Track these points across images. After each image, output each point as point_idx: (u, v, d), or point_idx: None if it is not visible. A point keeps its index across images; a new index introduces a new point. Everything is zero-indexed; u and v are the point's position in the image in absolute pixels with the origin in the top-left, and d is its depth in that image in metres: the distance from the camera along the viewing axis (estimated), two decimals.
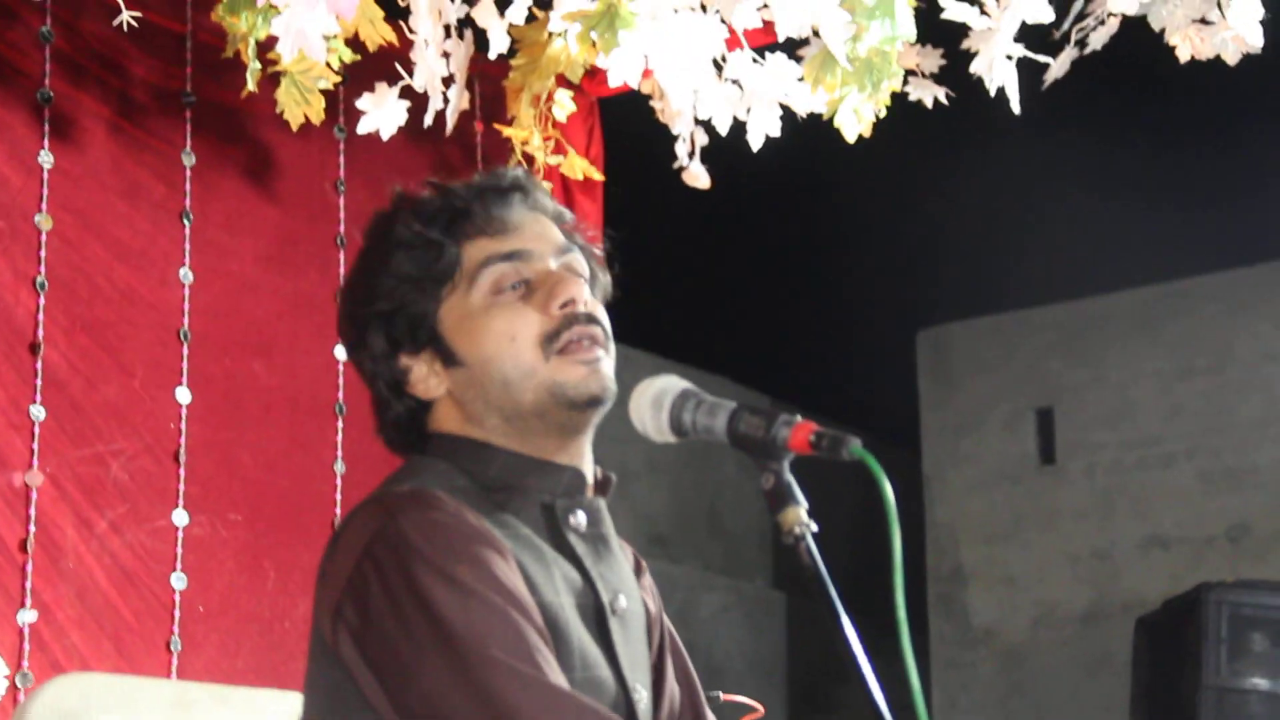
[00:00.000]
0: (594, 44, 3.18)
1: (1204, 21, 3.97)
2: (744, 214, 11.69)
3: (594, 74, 4.40)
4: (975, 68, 3.84)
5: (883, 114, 3.98)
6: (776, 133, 3.88)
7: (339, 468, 4.64)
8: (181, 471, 4.32)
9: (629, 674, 2.21)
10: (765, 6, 3.40)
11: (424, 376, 2.25)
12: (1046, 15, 3.72)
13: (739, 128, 3.93)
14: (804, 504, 1.93)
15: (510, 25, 3.71)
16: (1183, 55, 4.03)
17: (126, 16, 3.64)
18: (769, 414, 1.97)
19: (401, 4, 3.71)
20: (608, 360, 2.22)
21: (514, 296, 2.21)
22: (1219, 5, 3.92)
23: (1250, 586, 6.77)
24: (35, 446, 4.04)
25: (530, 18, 3.73)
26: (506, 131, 4.32)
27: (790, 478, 1.95)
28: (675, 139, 4.20)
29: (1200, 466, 10.09)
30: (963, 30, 3.78)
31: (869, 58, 3.62)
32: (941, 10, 3.66)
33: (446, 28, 3.72)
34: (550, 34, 3.87)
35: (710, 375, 9.91)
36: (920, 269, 12.21)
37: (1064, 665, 10.37)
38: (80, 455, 4.14)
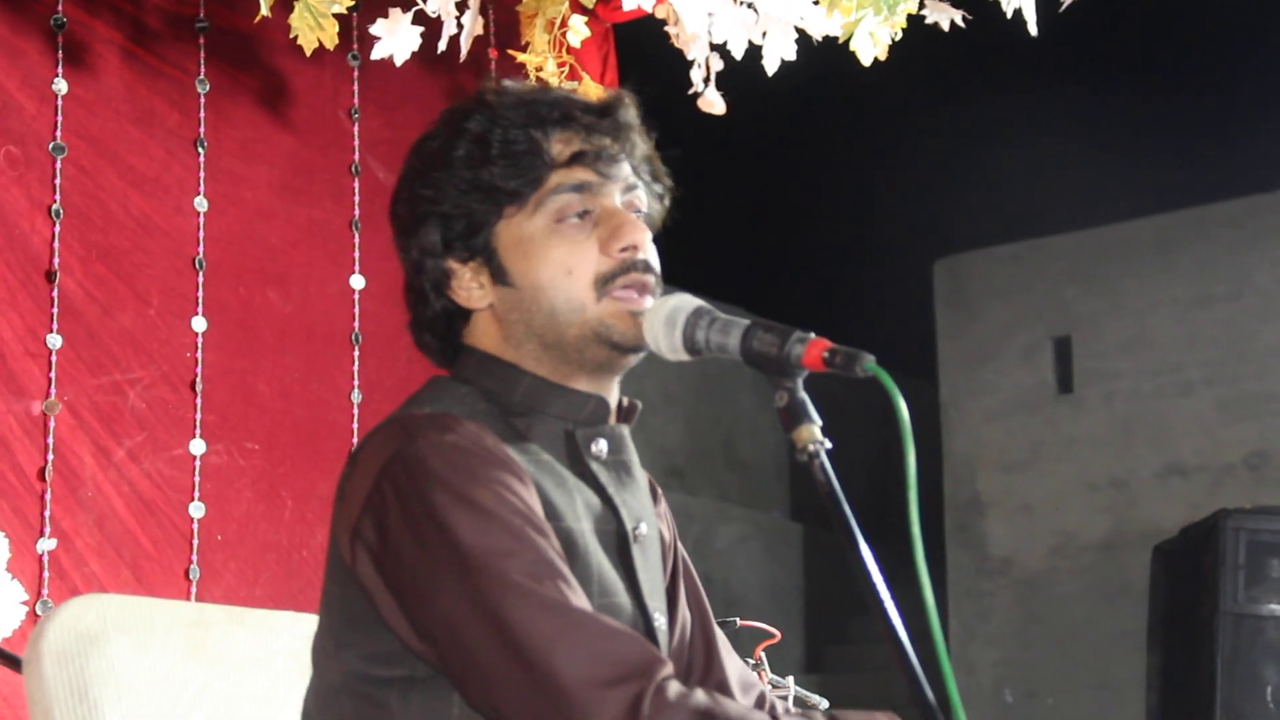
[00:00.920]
0: None
1: None
2: (760, 141, 11.66)
3: None
4: None
5: (898, 37, 3.96)
6: (792, 56, 3.87)
7: (355, 396, 4.65)
8: (198, 400, 4.33)
9: (649, 600, 2.20)
10: None
11: (468, 285, 2.21)
12: None
13: (754, 52, 3.91)
14: (818, 422, 1.91)
15: None
16: None
17: None
18: (783, 331, 1.96)
19: None
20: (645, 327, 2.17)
21: (575, 227, 2.17)
22: None
23: (1268, 513, 6.75)
24: (53, 375, 4.05)
25: None
26: (520, 57, 4.30)
27: (804, 395, 1.94)
28: (690, 64, 4.19)
29: (1219, 394, 10.06)
30: None
31: None
32: None
33: None
34: None
35: (726, 305, 9.89)
36: (937, 198, 12.16)
37: (1082, 594, 10.37)
38: (98, 384, 4.15)
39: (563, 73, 4.40)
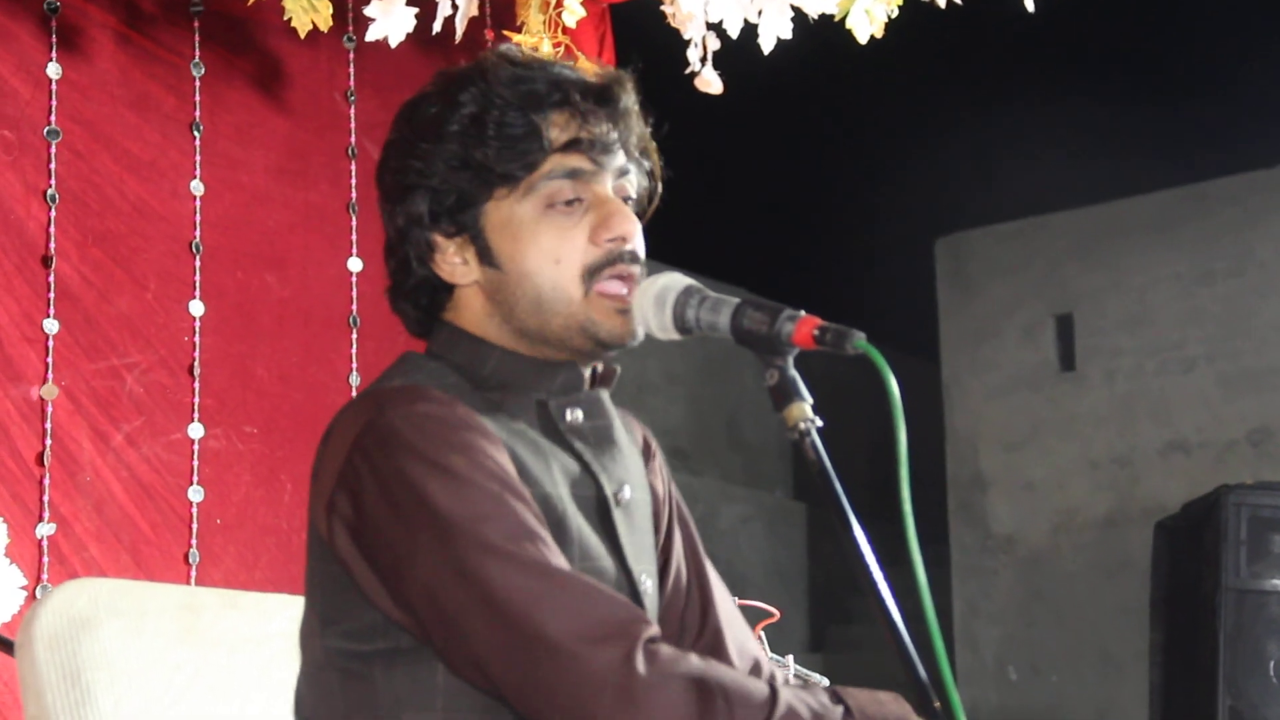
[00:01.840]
0: None
1: None
2: (758, 121, 11.63)
3: None
4: None
5: (895, 15, 3.96)
6: (788, 35, 3.86)
7: (354, 379, 4.65)
8: (196, 384, 4.33)
9: (634, 564, 2.19)
10: None
11: (452, 260, 2.19)
12: None
13: (750, 31, 3.91)
14: (809, 399, 1.91)
15: None
16: None
17: None
18: (773, 309, 1.95)
19: None
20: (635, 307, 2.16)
21: (565, 214, 2.16)
22: None
23: (1270, 488, 6.74)
24: (50, 360, 4.05)
25: None
26: (516, 38, 4.29)
27: (795, 373, 1.93)
28: (687, 44, 4.18)
29: (1221, 370, 10.05)
30: None
31: None
32: None
33: None
34: None
35: (726, 285, 9.90)
36: (937, 176, 12.13)
37: (1085, 571, 10.37)
38: (95, 368, 4.15)
39: (558, 53, 4.39)
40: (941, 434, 11.01)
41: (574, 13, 4.34)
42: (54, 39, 4.14)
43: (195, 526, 4.26)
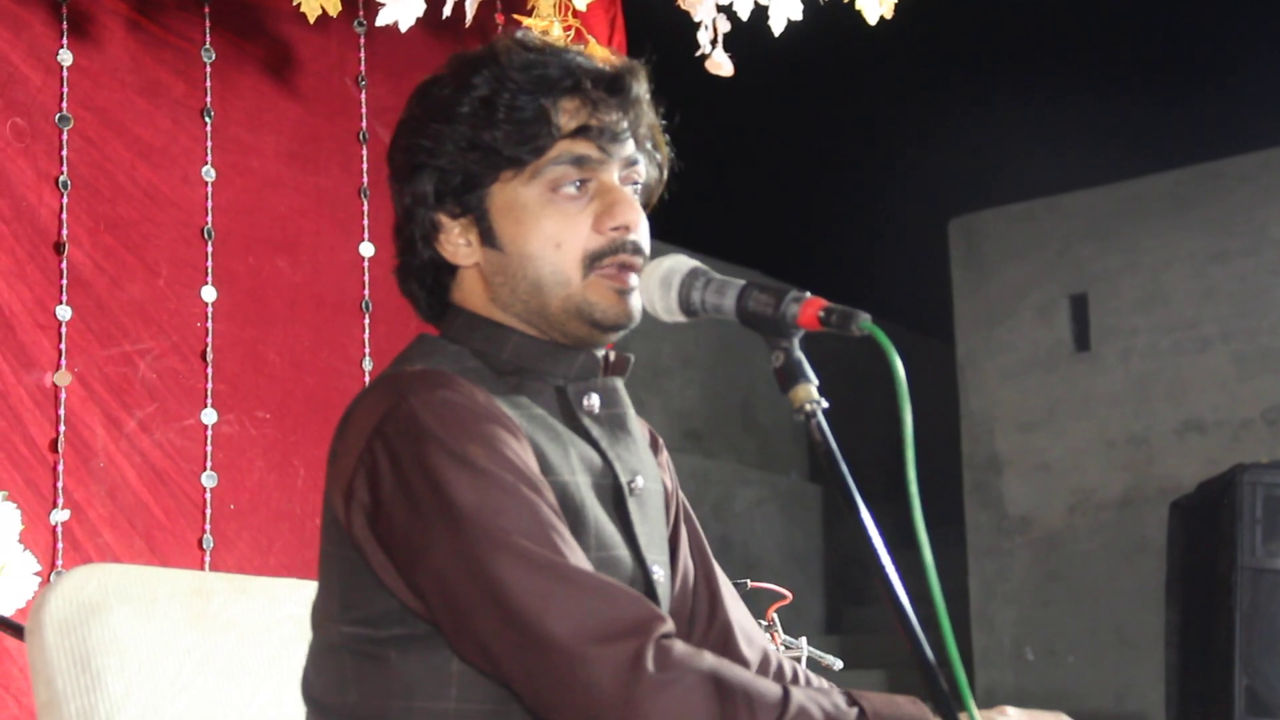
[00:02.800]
0: None
1: None
2: (770, 103, 11.62)
3: None
4: None
5: None
6: (798, 16, 3.85)
7: (367, 364, 4.64)
8: (209, 370, 4.33)
9: (647, 553, 2.20)
10: None
11: (455, 240, 2.20)
12: None
13: (761, 13, 3.90)
14: (814, 381, 1.91)
15: None
16: None
17: None
18: (778, 290, 1.95)
19: None
20: (637, 292, 2.16)
21: (569, 199, 2.16)
22: None
23: None
24: (63, 346, 4.05)
25: None
26: (526, 22, 4.29)
27: (800, 355, 1.93)
28: (698, 26, 4.17)
29: (1235, 349, 10.03)
30: None
31: None
32: None
33: None
34: None
35: (739, 268, 9.90)
36: (950, 157, 12.11)
37: (1100, 551, 10.36)
38: (108, 355, 4.15)
39: (569, 36, 4.39)
40: (956, 415, 11.00)
41: None
42: (65, 26, 4.14)
43: (209, 512, 4.26)
